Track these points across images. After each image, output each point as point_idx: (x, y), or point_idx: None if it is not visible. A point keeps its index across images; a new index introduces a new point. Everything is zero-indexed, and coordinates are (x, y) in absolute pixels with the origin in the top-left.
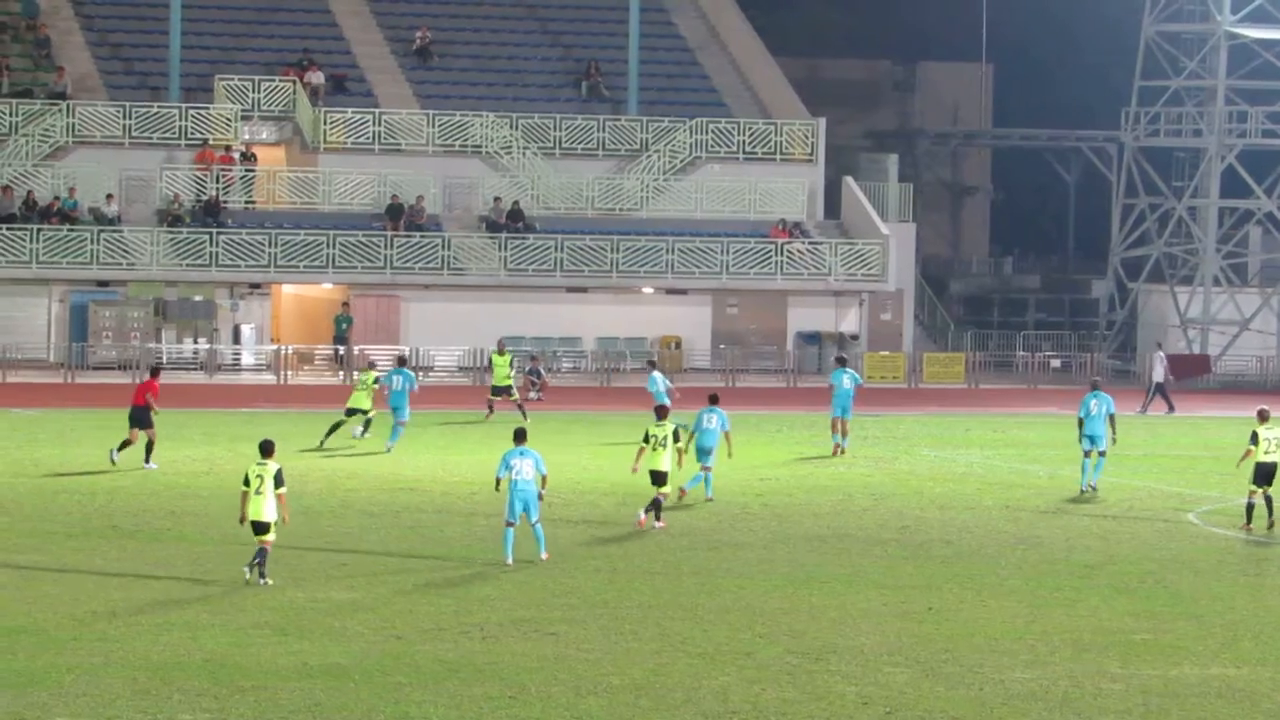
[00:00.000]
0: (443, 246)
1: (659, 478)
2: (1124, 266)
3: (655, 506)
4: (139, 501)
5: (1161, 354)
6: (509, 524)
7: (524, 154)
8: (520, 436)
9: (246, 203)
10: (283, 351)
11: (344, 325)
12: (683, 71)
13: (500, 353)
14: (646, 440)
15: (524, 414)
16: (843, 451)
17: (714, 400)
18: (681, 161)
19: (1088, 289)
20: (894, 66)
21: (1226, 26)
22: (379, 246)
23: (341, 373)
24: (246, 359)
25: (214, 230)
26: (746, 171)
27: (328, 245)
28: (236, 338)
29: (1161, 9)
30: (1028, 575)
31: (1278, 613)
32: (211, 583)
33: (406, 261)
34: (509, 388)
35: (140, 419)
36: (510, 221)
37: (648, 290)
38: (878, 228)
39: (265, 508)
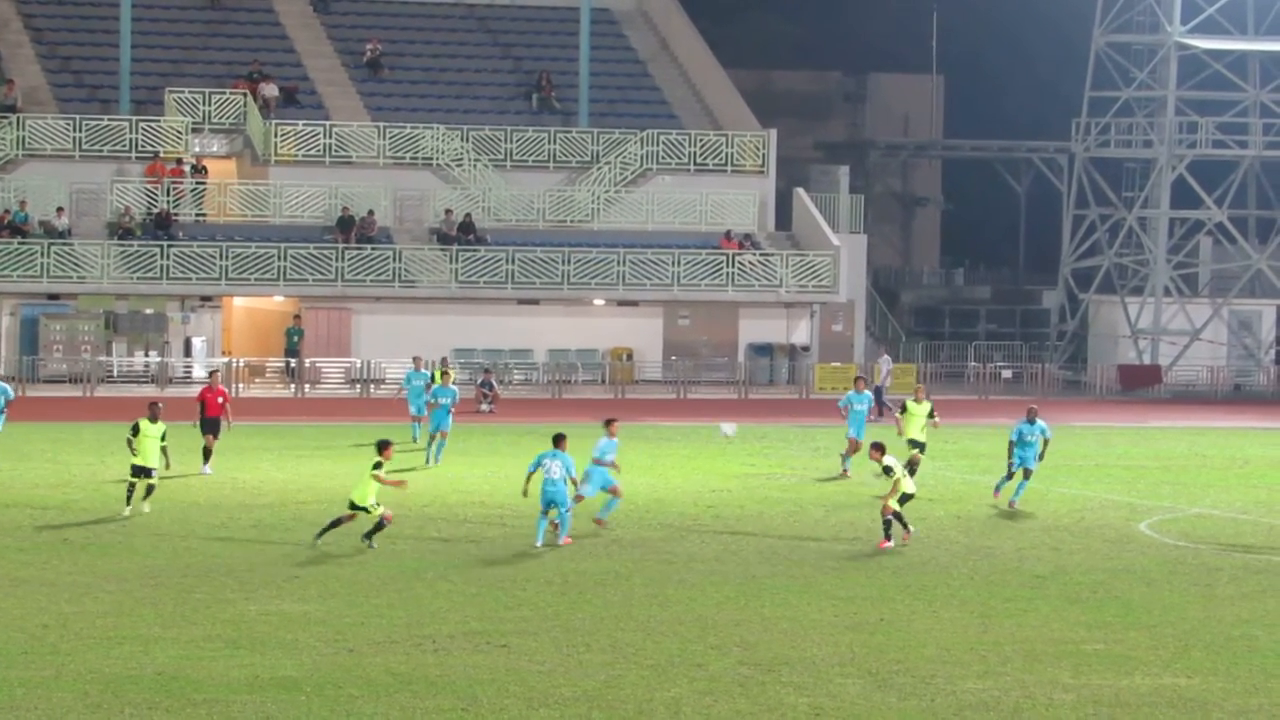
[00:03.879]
0: (394, 259)
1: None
2: (1075, 277)
3: (895, 520)
4: (90, 515)
5: (887, 357)
6: (543, 512)
7: (475, 166)
8: (558, 441)
9: (197, 215)
10: (234, 364)
11: (295, 338)
12: (634, 83)
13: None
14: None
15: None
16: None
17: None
18: (632, 173)
19: (1038, 300)
20: (845, 78)
21: (1176, 37)
22: (330, 259)
23: (293, 385)
24: (198, 372)
25: (165, 243)
26: (698, 183)
27: (279, 258)
28: (188, 350)
29: (1111, 20)
30: (979, 586)
31: (1229, 623)
32: (163, 596)
33: (358, 274)
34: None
35: (214, 428)
36: (461, 234)
37: (599, 302)
38: (829, 239)
39: (152, 456)
